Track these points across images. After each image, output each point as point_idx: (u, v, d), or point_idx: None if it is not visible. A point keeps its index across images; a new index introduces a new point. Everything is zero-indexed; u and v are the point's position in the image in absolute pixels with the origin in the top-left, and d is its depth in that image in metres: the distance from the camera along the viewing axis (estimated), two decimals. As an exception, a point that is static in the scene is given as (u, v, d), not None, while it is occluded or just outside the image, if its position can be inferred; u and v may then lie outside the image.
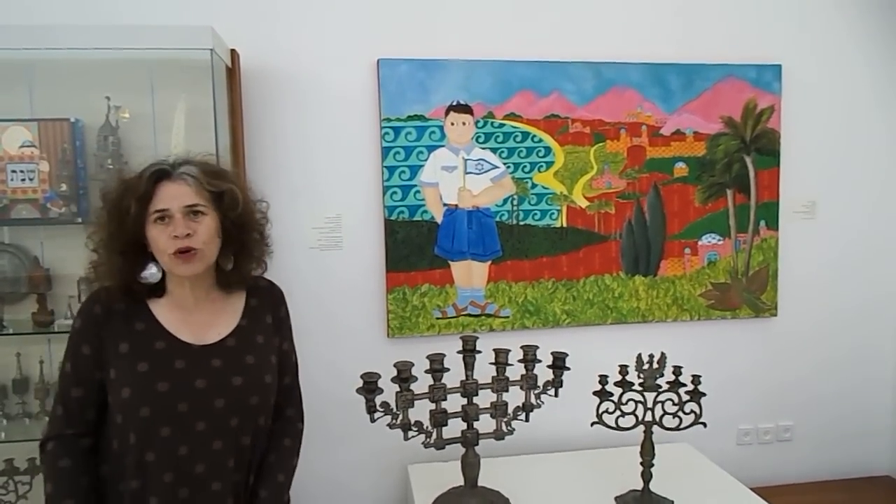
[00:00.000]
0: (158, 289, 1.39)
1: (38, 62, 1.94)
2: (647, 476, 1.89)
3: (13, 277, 2.00)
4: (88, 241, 1.37)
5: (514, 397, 1.82)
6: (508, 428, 1.84)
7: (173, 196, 1.31)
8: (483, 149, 2.27)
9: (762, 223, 2.46)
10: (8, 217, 1.92)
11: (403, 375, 1.72)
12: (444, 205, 2.26)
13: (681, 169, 2.39)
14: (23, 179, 1.91)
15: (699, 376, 1.84)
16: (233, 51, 2.03)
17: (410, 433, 1.75)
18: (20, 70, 1.96)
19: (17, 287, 2.00)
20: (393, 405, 1.73)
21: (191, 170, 1.35)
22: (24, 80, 1.97)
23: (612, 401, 1.85)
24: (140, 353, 1.33)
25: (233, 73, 2.02)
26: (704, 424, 1.84)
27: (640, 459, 1.88)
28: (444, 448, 1.79)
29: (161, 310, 1.38)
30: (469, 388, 1.80)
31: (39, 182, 1.92)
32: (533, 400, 1.84)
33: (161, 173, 1.33)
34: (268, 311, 1.50)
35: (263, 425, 1.43)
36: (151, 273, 1.35)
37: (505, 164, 2.28)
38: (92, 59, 1.92)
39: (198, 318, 1.39)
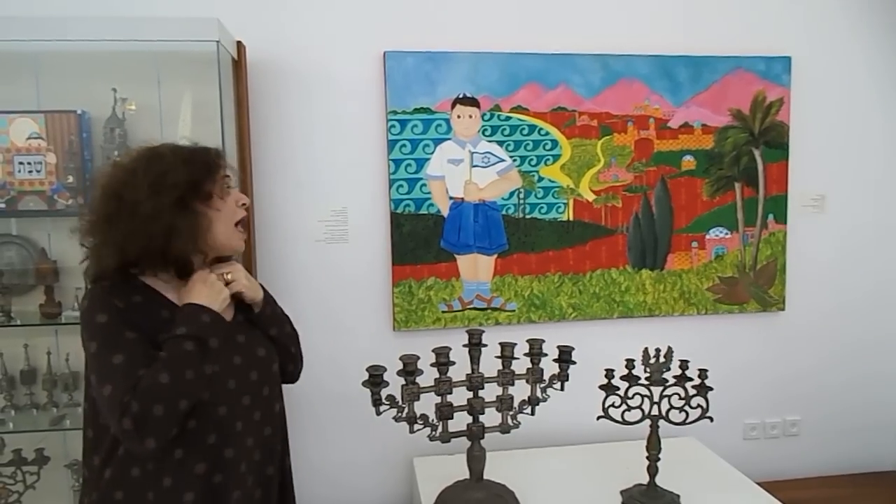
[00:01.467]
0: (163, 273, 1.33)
1: (44, 54, 1.95)
2: (653, 470, 1.88)
3: (21, 269, 2.01)
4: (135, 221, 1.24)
5: (520, 391, 1.81)
6: (514, 421, 1.83)
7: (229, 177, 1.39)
8: (489, 142, 2.26)
9: (770, 217, 2.44)
10: (15, 209, 1.92)
11: (409, 369, 1.72)
12: (451, 198, 2.25)
13: (688, 162, 2.38)
14: (30, 171, 1.91)
15: (706, 370, 1.83)
16: (239, 43, 2.02)
17: (416, 426, 1.75)
18: (27, 62, 1.97)
19: (25, 279, 2.01)
20: (398, 398, 1.73)
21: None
22: (30, 72, 1.97)
23: (619, 395, 1.84)
24: None
25: (239, 65, 2.02)
26: (711, 419, 1.83)
27: (646, 453, 1.88)
28: (449, 441, 1.79)
29: (173, 295, 1.32)
30: (475, 382, 1.79)
31: (46, 174, 1.92)
32: (539, 394, 1.83)
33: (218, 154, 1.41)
34: None
35: (280, 390, 1.50)
36: None
37: (511, 157, 2.27)
38: (98, 51, 1.92)
39: None
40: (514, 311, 2.32)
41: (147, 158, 1.28)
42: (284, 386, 1.53)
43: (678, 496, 1.88)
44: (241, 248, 1.38)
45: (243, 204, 1.37)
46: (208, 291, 1.29)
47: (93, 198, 1.32)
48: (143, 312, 1.27)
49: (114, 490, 1.27)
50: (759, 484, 2.02)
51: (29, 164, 1.91)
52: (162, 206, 1.23)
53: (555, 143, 2.29)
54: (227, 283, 1.36)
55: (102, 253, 1.27)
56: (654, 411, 1.85)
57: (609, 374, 1.84)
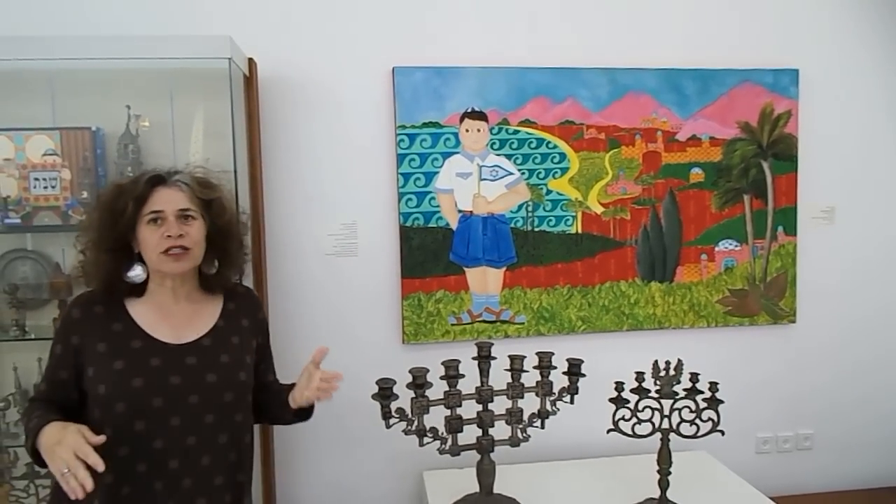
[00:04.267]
0: (137, 289, 1.44)
1: (60, 72, 1.98)
2: (663, 484, 1.87)
3: (35, 284, 2.03)
4: (77, 242, 1.44)
5: (530, 404, 1.81)
6: (524, 435, 1.83)
7: (168, 200, 1.41)
8: (498, 155, 2.27)
9: (780, 229, 2.44)
10: (30, 224, 1.95)
11: (419, 381, 1.72)
12: (459, 211, 2.26)
13: (697, 174, 2.38)
14: (45, 187, 1.94)
15: (717, 383, 1.82)
16: (250, 60, 2.05)
17: (426, 439, 1.75)
18: (43, 80, 2.00)
19: (39, 293, 2.03)
20: (408, 411, 1.73)
21: (184, 178, 1.46)
22: (46, 90, 2.00)
23: (629, 408, 1.84)
24: (117, 352, 1.38)
25: (250, 81, 2.05)
26: (722, 432, 1.82)
27: (656, 467, 1.87)
28: (459, 454, 1.79)
29: (139, 310, 1.44)
30: (484, 395, 1.79)
31: (61, 189, 1.95)
32: (548, 407, 1.83)
33: (157, 179, 1.44)
34: (245, 315, 1.56)
35: (241, 422, 1.48)
36: (137, 273, 1.43)
37: (520, 170, 2.29)
38: (113, 69, 1.95)
39: (176, 319, 1.45)
40: (523, 323, 2.32)
41: (98, 196, 1.51)
42: None
43: (690, 510, 1.87)
44: (172, 271, 1.42)
45: (168, 235, 1.39)
46: (51, 448, 1.20)
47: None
48: (96, 322, 1.41)
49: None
50: (771, 499, 1.99)
51: (44, 179, 1.94)
52: (84, 245, 1.45)
53: (563, 156, 2.30)
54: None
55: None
56: (665, 425, 1.84)
57: (619, 387, 1.84)
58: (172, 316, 1.45)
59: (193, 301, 1.49)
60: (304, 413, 1.57)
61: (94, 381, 1.37)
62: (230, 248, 1.52)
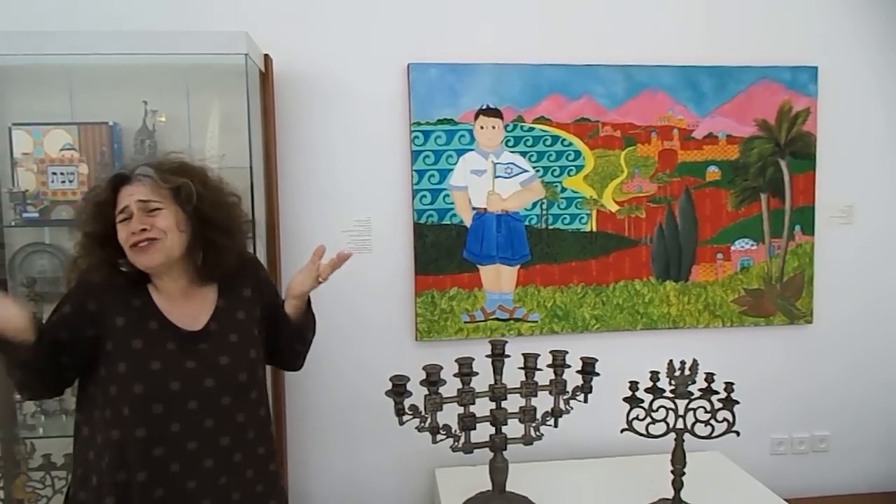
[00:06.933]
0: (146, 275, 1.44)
1: (78, 67, 2.00)
2: (677, 484, 1.86)
3: (53, 277, 2.05)
4: (74, 248, 1.44)
5: (543, 402, 1.81)
6: (537, 433, 1.83)
7: (129, 195, 1.39)
8: (512, 152, 2.26)
9: (797, 228, 2.41)
10: (48, 218, 1.97)
11: (432, 379, 1.72)
12: (473, 208, 2.26)
13: (713, 173, 2.36)
14: (63, 181, 1.96)
15: (732, 384, 1.81)
16: (266, 56, 2.06)
17: (438, 437, 1.75)
18: (61, 75, 2.02)
19: (57, 287, 2.04)
20: (421, 408, 1.73)
21: (146, 171, 1.41)
22: (64, 85, 2.02)
23: (643, 407, 1.83)
24: (135, 330, 1.38)
25: (266, 77, 2.05)
26: (737, 433, 1.81)
27: (670, 467, 1.86)
28: (472, 452, 1.79)
29: (155, 294, 1.44)
30: (497, 393, 1.79)
31: (79, 184, 1.96)
32: (562, 405, 1.82)
33: (119, 179, 1.41)
34: (245, 285, 1.53)
35: (256, 399, 1.47)
36: (128, 269, 1.43)
37: (534, 167, 2.28)
38: (130, 65, 1.97)
39: (184, 308, 1.44)
40: (536, 321, 2.32)
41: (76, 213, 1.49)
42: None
43: (704, 511, 1.85)
44: (144, 264, 1.39)
45: (132, 232, 1.37)
46: None
47: None
48: (116, 292, 1.41)
49: (91, 436, 1.42)
50: (786, 501, 1.98)
51: (62, 174, 1.95)
52: (78, 253, 1.46)
53: (578, 153, 2.29)
54: None
55: None
56: (679, 424, 1.83)
57: (633, 386, 1.83)
58: (180, 305, 1.44)
59: (195, 291, 1.47)
60: (305, 315, 1.60)
61: (112, 356, 1.36)
62: (214, 234, 1.44)
